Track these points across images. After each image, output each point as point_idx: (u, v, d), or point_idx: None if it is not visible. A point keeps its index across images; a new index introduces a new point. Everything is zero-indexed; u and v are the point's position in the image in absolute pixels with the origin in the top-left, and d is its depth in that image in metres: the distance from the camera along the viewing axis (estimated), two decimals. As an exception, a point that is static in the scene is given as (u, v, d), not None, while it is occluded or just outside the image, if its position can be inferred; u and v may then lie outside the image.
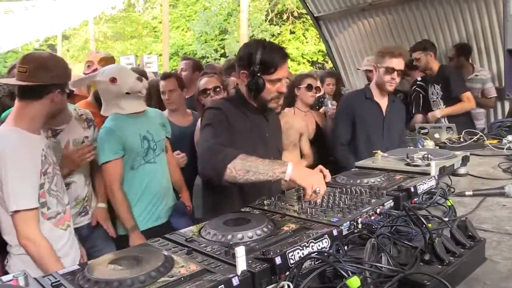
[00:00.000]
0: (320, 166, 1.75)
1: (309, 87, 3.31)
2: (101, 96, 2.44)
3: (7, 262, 1.84)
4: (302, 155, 3.22)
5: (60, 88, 1.83)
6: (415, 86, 4.19)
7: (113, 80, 2.33)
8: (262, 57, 1.76)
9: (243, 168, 1.56)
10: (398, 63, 2.67)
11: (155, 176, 2.45)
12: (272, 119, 2.02)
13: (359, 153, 2.73)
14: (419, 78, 4.23)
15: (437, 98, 3.90)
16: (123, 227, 2.38)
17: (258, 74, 1.77)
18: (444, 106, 3.81)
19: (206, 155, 1.65)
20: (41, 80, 1.76)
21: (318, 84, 3.43)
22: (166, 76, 3.16)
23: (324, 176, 1.63)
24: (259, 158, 1.60)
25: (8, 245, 1.82)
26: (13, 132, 1.74)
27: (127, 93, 2.36)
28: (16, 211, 1.67)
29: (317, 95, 3.43)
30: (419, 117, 4.05)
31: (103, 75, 2.39)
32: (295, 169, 1.55)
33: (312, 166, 2.08)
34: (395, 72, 2.67)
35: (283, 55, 1.81)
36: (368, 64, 4.55)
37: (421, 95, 4.09)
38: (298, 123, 3.16)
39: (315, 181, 1.50)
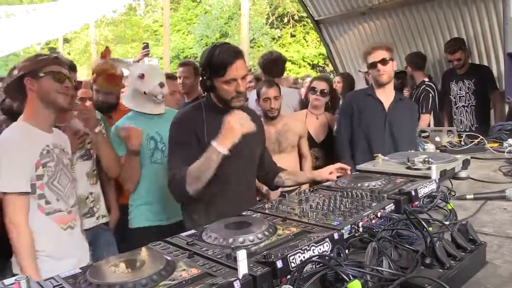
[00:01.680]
0: (339, 164, 2.08)
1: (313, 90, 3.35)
2: (128, 89, 2.63)
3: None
4: (301, 156, 3.23)
5: (30, 76, 1.88)
6: (424, 86, 4.24)
7: (141, 76, 2.50)
8: (211, 60, 1.83)
9: (194, 179, 1.76)
10: (376, 55, 2.76)
11: (161, 176, 2.46)
12: None
13: (359, 151, 2.80)
14: (426, 80, 4.29)
15: (466, 93, 4.06)
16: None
17: (205, 77, 1.86)
18: (475, 101, 4.03)
19: (171, 186, 1.86)
20: (11, 79, 1.90)
21: (324, 87, 3.41)
22: None
23: (345, 169, 2.02)
24: (196, 161, 1.76)
25: None
26: (17, 126, 1.89)
27: (144, 92, 2.49)
28: (5, 194, 1.77)
29: (323, 98, 3.42)
30: (427, 118, 4.12)
31: (135, 68, 2.59)
32: (220, 141, 1.72)
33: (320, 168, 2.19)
34: (378, 64, 2.75)
35: (234, 55, 1.83)
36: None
37: (430, 94, 4.16)
38: (297, 126, 3.17)
39: (238, 130, 1.70)
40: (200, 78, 1.91)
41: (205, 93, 1.95)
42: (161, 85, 2.50)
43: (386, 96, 2.84)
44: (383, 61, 2.75)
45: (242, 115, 1.75)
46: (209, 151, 1.74)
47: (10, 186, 1.78)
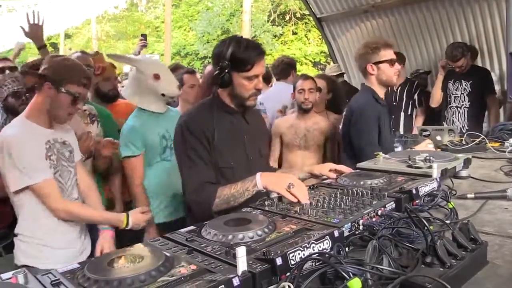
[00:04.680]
0: (342, 166, 1.94)
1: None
2: (132, 83, 2.54)
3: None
4: (326, 161, 3.19)
5: (51, 82, 1.85)
6: (416, 81, 4.33)
7: (156, 76, 2.43)
8: (236, 54, 1.72)
9: (223, 202, 1.68)
10: (392, 53, 2.54)
11: (170, 174, 2.47)
12: (253, 121, 1.96)
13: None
14: (409, 76, 4.38)
15: (461, 94, 4.03)
16: None
17: (226, 71, 1.72)
18: (468, 103, 3.99)
19: (193, 196, 1.76)
20: (39, 72, 1.89)
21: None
22: None
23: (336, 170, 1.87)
24: (231, 185, 1.68)
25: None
26: (20, 122, 1.90)
27: (162, 94, 2.47)
28: (34, 186, 1.81)
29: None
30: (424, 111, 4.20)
31: (146, 66, 2.48)
32: (263, 177, 1.63)
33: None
34: (396, 62, 2.53)
35: (261, 52, 1.77)
36: (334, 71, 5.02)
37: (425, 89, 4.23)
38: (325, 126, 3.19)
39: (286, 182, 1.50)
40: (216, 71, 1.76)
41: (217, 88, 1.82)
42: (179, 87, 2.52)
43: (382, 97, 2.62)
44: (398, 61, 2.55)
45: (303, 188, 1.52)
46: (248, 180, 1.65)
47: (36, 176, 1.81)
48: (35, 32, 2.79)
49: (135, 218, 1.99)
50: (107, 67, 2.94)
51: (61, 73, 1.87)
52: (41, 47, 2.84)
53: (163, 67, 2.59)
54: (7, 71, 2.74)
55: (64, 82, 1.86)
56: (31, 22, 2.76)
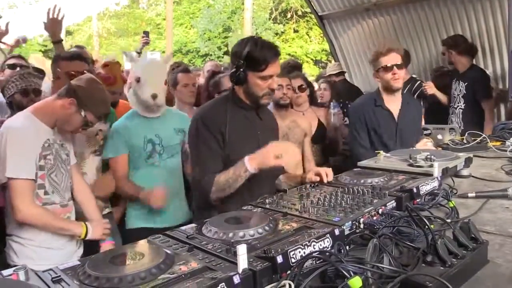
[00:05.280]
0: (324, 169, 1.83)
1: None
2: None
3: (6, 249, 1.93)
4: (304, 159, 3.19)
5: (77, 100, 1.89)
6: (419, 82, 4.21)
7: (137, 79, 2.40)
8: (253, 54, 1.78)
9: (219, 189, 1.76)
10: (392, 58, 2.50)
11: (156, 180, 2.41)
12: (265, 118, 2.03)
13: None
14: (414, 75, 4.33)
15: (457, 95, 3.96)
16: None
17: (241, 69, 1.80)
18: (464, 104, 3.91)
19: (198, 187, 1.86)
20: (72, 82, 1.96)
21: (301, 82, 3.35)
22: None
23: (327, 175, 1.77)
24: (223, 172, 1.76)
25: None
26: (24, 115, 1.91)
27: (139, 98, 2.42)
28: (12, 180, 1.79)
29: (303, 93, 3.38)
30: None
31: (136, 66, 2.47)
32: (251, 160, 1.70)
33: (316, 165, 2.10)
34: (394, 67, 2.50)
35: (275, 52, 1.83)
36: (334, 70, 4.93)
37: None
38: (304, 123, 3.18)
39: (270, 153, 1.60)
40: (233, 70, 1.84)
41: (234, 85, 1.90)
42: (154, 96, 2.33)
43: (394, 102, 2.59)
44: (399, 65, 2.50)
45: (288, 148, 1.66)
46: (238, 166, 1.72)
47: (18, 172, 1.80)
48: (52, 26, 2.77)
49: (95, 230, 1.99)
50: (118, 81, 2.84)
51: (90, 99, 1.93)
52: (56, 42, 2.83)
53: (147, 71, 2.40)
54: (18, 68, 2.79)
55: (88, 108, 1.92)
56: (51, 16, 2.75)
